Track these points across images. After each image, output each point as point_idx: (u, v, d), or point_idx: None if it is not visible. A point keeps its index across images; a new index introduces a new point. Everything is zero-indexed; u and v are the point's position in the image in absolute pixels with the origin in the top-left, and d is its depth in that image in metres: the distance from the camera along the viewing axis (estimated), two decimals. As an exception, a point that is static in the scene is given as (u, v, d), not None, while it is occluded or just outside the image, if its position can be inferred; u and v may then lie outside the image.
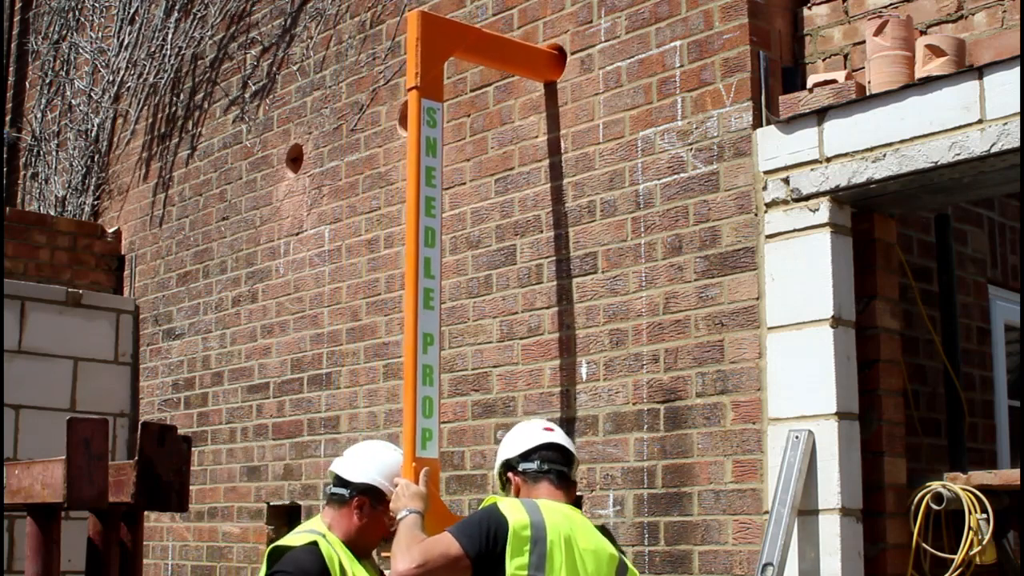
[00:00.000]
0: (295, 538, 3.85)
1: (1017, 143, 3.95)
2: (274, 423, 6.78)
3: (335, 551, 3.80)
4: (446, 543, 3.65)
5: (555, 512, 3.77)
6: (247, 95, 7.36)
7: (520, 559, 3.61)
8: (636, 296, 4.99)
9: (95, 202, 8.69)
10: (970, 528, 4.24)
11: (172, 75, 8.06)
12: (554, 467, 3.93)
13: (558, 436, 4.04)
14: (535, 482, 3.91)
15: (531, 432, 4.05)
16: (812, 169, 4.47)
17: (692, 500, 4.68)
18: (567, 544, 3.68)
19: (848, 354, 4.41)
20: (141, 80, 8.38)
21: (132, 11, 8.58)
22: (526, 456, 3.95)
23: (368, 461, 4.01)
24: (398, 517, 3.90)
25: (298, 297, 6.73)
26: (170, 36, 8.09)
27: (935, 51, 4.28)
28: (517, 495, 3.92)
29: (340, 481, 3.98)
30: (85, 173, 8.81)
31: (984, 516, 4.24)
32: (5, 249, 7.85)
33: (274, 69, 7.18)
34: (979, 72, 4.08)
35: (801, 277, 4.44)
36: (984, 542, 4.24)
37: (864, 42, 4.54)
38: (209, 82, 7.75)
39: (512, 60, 5.48)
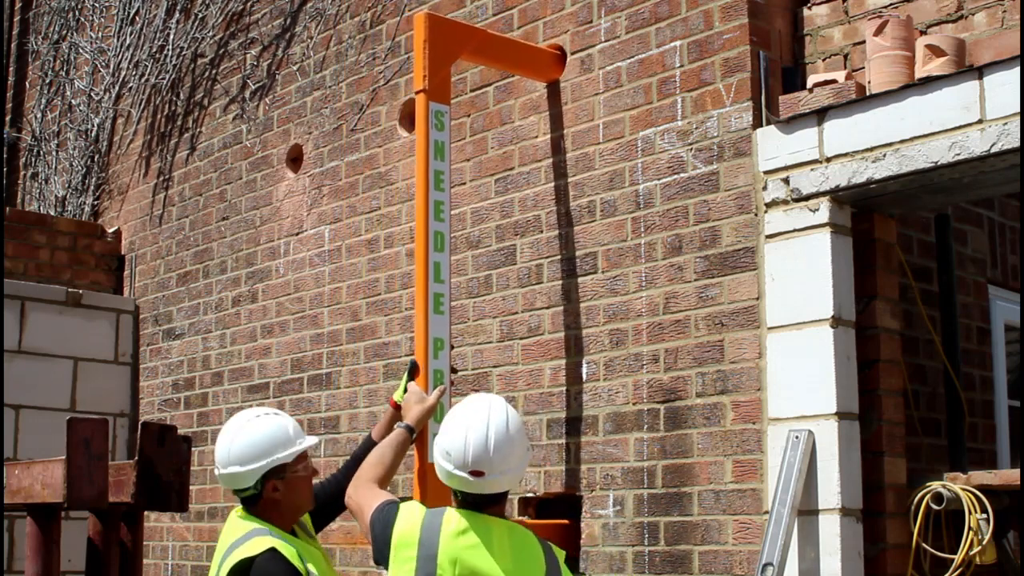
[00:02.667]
0: (248, 547, 3.60)
1: (1017, 143, 3.95)
2: (274, 423, 6.77)
3: (287, 544, 3.64)
4: (367, 524, 3.65)
5: (461, 529, 3.47)
6: (247, 95, 7.36)
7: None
8: (636, 296, 4.99)
9: (95, 202, 8.69)
10: (970, 528, 4.24)
11: (172, 75, 8.06)
12: (481, 501, 3.54)
13: (488, 484, 3.55)
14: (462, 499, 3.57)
15: (458, 469, 3.56)
16: (812, 169, 4.47)
17: (692, 500, 4.68)
18: (462, 568, 3.40)
19: (848, 354, 4.41)
20: (142, 80, 8.38)
21: (132, 11, 8.58)
22: (455, 493, 3.59)
23: (251, 451, 3.71)
24: (395, 425, 4.04)
25: (298, 297, 6.73)
26: (172, 36, 8.09)
27: (935, 51, 4.28)
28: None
29: (241, 485, 3.73)
30: (85, 173, 8.81)
31: (984, 516, 4.24)
32: (5, 249, 7.85)
33: (274, 69, 7.18)
34: (979, 72, 4.08)
35: (801, 277, 4.44)
36: (984, 542, 4.24)
37: (864, 42, 4.54)
38: (209, 81, 7.75)
39: (517, 61, 5.47)
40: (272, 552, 3.56)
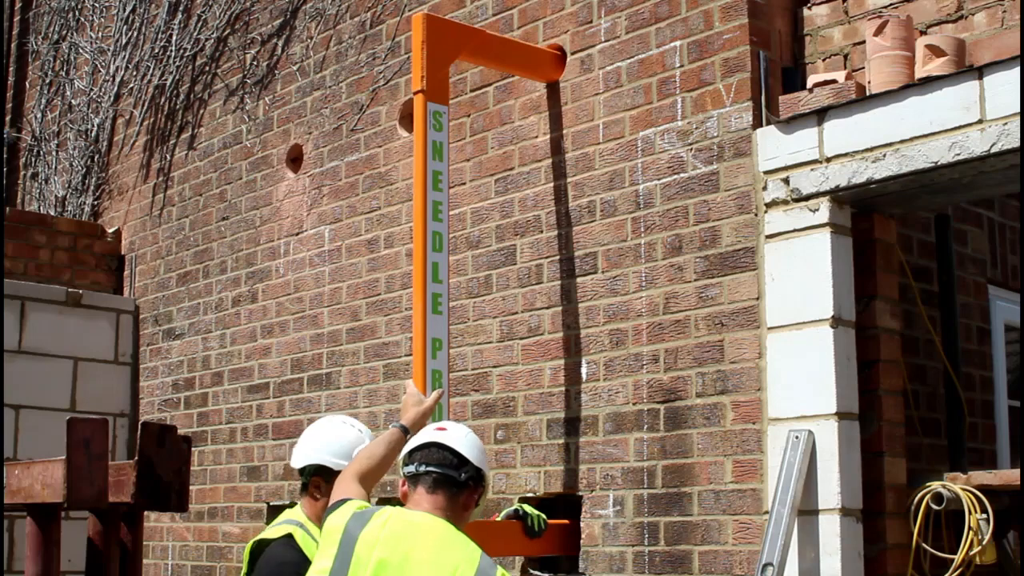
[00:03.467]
0: (273, 531, 3.98)
1: (1017, 143, 3.95)
2: (274, 423, 6.78)
3: (312, 538, 3.85)
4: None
5: (389, 523, 3.30)
6: (247, 95, 7.36)
7: (323, 562, 3.32)
8: (636, 296, 4.99)
9: (95, 202, 8.69)
10: (970, 528, 4.24)
11: (173, 75, 8.06)
12: (432, 469, 3.40)
13: (449, 437, 3.48)
14: (413, 487, 3.42)
15: (421, 432, 3.61)
16: (812, 169, 4.47)
17: (692, 500, 4.68)
18: (373, 561, 3.22)
19: (848, 354, 4.41)
20: (143, 81, 8.38)
21: (131, 11, 8.58)
22: (408, 457, 3.48)
23: (311, 443, 4.11)
24: (391, 424, 4.07)
25: (298, 297, 6.73)
26: (175, 37, 8.09)
27: (935, 51, 4.28)
28: (405, 500, 3.46)
29: (295, 464, 4.16)
30: (85, 173, 8.81)
31: (984, 516, 4.24)
32: (5, 249, 7.85)
33: (274, 69, 7.18)
34: (979, 72, 4.08)
35: (801, 277, 4.44)
36: (984, 542, 4.24)
37: (864, 42, 4.54)
38: (209, 76, 7.75)
39: (516, 61, 5.47)
40: (287, 538, 3.87)
